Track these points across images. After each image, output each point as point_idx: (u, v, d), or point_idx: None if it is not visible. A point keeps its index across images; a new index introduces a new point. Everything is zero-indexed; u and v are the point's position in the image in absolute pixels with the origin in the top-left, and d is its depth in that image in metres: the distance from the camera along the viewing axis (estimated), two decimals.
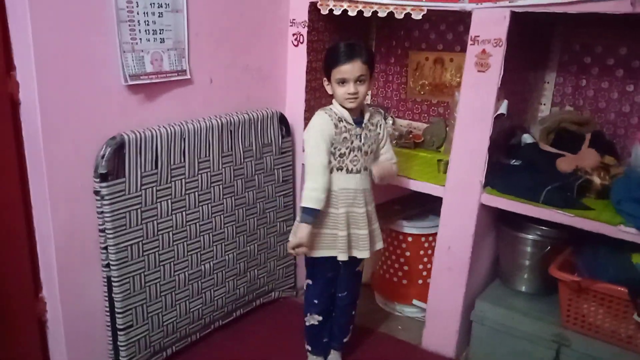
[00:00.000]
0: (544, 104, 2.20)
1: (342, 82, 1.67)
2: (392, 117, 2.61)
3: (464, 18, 1.81)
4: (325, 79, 1.75)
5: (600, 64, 2.06)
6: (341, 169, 1.75)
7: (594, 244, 1.82)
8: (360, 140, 1.75)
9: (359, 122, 1.75)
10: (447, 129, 2.40)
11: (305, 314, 1.95)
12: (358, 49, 1.68)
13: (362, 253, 1.80)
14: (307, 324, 1.96)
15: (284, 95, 2.35)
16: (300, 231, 1.72)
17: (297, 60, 2.27)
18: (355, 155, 1.74)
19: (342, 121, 1.72)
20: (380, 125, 1.82)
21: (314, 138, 1.72)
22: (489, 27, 1.75)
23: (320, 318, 1.93)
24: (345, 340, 2.02)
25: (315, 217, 1.71)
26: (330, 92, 1.74)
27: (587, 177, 1.81)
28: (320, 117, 1.73)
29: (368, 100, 2.74)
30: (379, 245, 1.87)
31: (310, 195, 1.70)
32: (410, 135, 2.51)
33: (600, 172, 1.83)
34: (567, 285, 1.76)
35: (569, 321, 1.81)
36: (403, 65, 2.57)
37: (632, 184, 1.70)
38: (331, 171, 1.74)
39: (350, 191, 1.76)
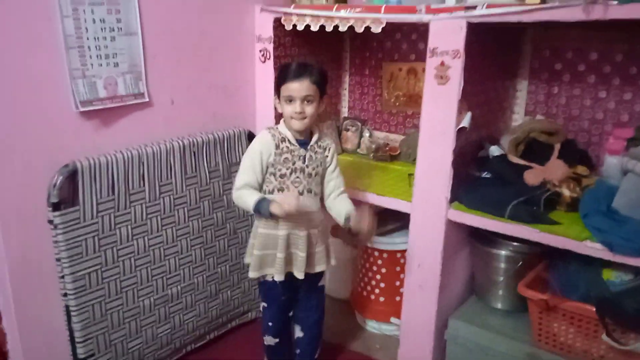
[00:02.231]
0: (518, 113, 2.13)
1: (289, 100, 1.65)
2: (369, 129, 2.57)
3: None
4: (275, 96, 1.72)
5: (572, 70, 1.98)
6: (282, 190, 1.71)
7: (567, 259, 1.74)
8: (304, 162, 1.71)
9: (304, 143, 1.71)
10: None
11: (263, 334, 1.93)
12: (309, 68, 1.65)
13: (298, 274, 1.76)
14: (265, 343, 1.94)
15: (253, 113, 2.31)
16: (273, 207, 1.60)
17: (265, 77, 2.24)
18: (298, 177, 1.70)
19: (285, 141, 1.69)
20: (330, 149, 1.77)
21: (250, 158, 1.71)
22: (447, 38, 1.69)
23: (277, 340, 1.91)
24: (315, 356, 1.98)
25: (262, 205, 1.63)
26: (280, 111, 1.71)
27: (556, 190, 1.74)
28: (261, 138, 1.71)
29: (345, 112, 2.70)
30: (319, 267, 1.81)
31: (237, 196, 1.70)
32: (387, 148, 2.46)
33: (570, 183, 1.75)
34: (535, 303, 1.69)
35: (541, 340, 1.74)
36: (377, 77, 2.52)
37: (599, 196, 1.63)
38: (272, 192, 1.71)
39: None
